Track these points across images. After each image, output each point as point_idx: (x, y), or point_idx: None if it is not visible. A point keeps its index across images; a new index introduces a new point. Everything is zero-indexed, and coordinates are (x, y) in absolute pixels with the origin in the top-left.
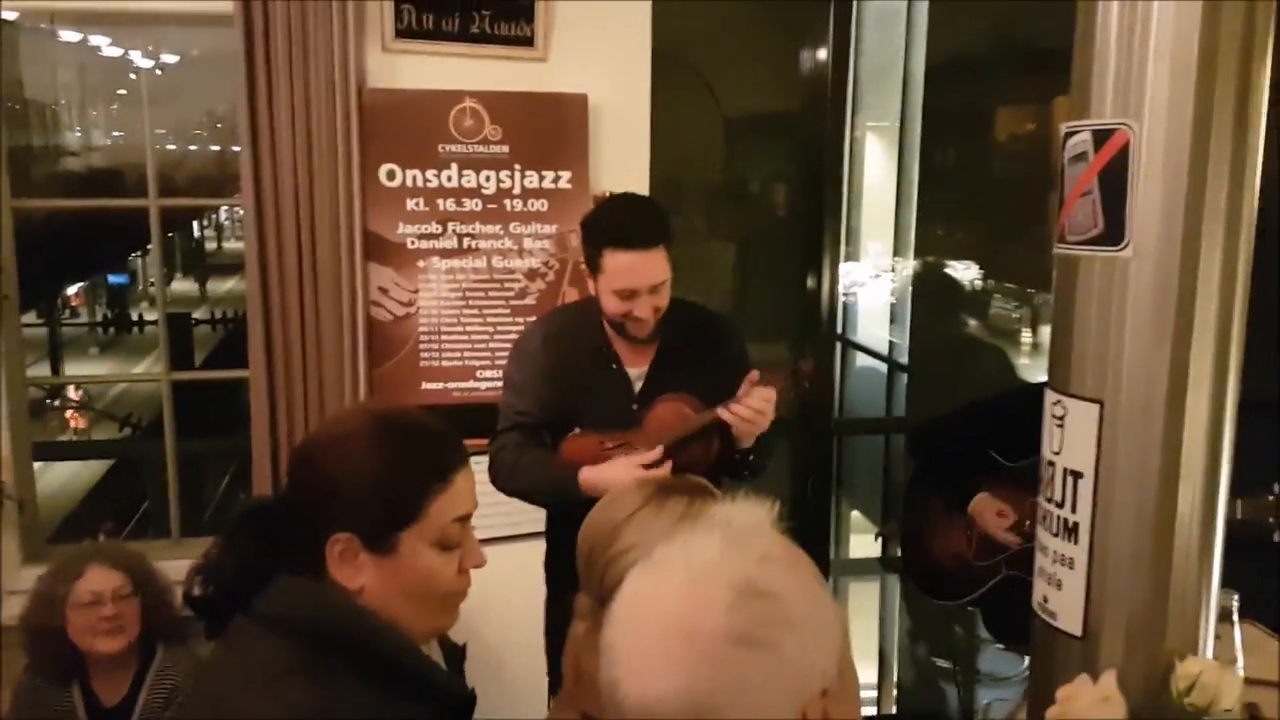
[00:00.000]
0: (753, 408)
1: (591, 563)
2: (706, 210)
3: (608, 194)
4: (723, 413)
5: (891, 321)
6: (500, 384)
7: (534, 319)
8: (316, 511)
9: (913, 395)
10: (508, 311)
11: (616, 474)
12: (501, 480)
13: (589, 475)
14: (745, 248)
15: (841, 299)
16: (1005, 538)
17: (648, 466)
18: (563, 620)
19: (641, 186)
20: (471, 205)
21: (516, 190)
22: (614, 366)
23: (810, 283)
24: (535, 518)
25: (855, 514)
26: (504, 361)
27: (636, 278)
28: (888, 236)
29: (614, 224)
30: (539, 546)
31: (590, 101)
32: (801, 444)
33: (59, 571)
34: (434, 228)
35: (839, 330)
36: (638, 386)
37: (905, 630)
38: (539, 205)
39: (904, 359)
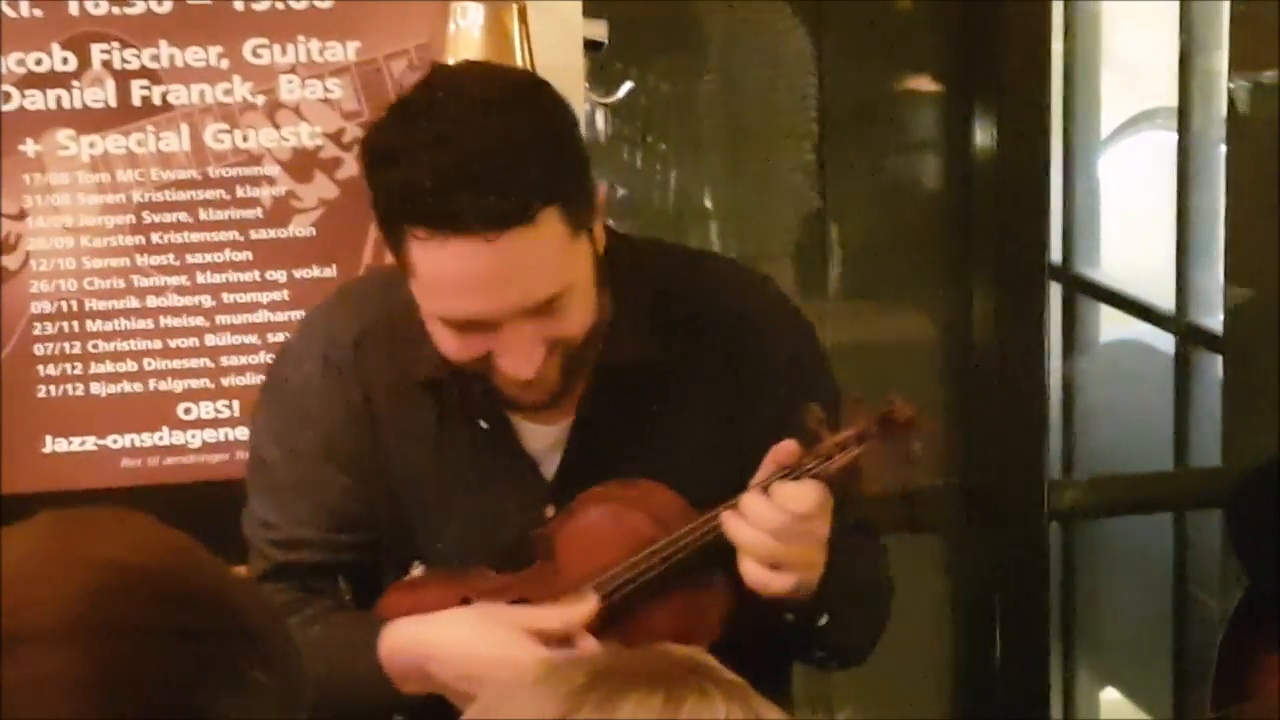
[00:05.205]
0: (762, 520)
1: None
2: None
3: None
4: (731, 522)
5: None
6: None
7: (311, 311)
8: None
9: (1239, 405)
10: (246, 258)
11: (477, 639)
12: None
13: (404, 637)
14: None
15: (1056, 175)
16: None
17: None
18: None
19: None
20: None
21: None
22: (484, 425)
23: (969, 137)
24: None
25: (1109, 693)
26: (243, 382)
27: (477, 296)
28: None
29: (415, 172)
30: None
31: None
32: (978, 543)
33: None
34: (60, 58)
35: (1056, 258)
36: (550, 464)
37: None
38: None
39: (1213, 320)
